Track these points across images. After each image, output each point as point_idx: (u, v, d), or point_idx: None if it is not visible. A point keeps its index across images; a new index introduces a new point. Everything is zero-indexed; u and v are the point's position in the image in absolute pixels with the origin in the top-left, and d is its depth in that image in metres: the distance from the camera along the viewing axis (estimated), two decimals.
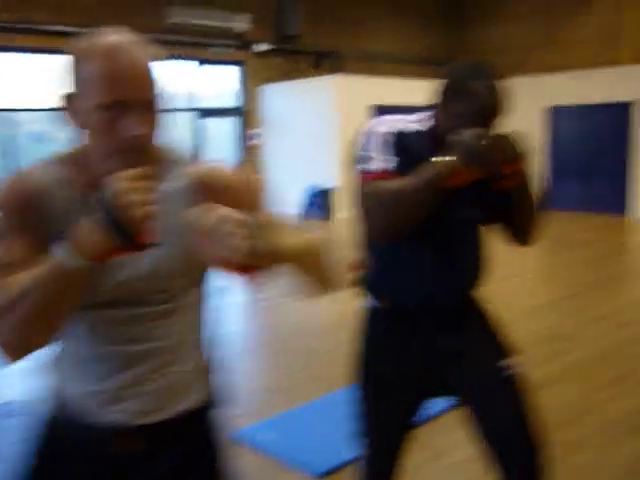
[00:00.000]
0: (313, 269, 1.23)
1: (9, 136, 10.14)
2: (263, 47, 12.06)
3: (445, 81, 1.71)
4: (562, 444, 3.09)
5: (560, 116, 12.57)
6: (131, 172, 1.01)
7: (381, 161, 1.68)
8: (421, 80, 13.42)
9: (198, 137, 12.13)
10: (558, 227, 10.78)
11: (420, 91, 13.10)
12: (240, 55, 12.12)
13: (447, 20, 14.98)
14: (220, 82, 12.53)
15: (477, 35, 14.38)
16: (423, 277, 1.80)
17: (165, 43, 10.91)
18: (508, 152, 1.60)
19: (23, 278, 1.05)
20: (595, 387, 3.74)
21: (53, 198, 1.17)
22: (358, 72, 12.99)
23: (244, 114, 12.57)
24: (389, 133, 1.71)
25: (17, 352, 1.09)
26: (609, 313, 5.28)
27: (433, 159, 1.58)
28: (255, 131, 12.65)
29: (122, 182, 0.99)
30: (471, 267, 1.87)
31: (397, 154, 1.69)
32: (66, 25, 10.09)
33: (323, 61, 13.11)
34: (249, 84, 12.40)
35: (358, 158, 1.72)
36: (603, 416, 3.36)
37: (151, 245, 1.06)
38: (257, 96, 12.59)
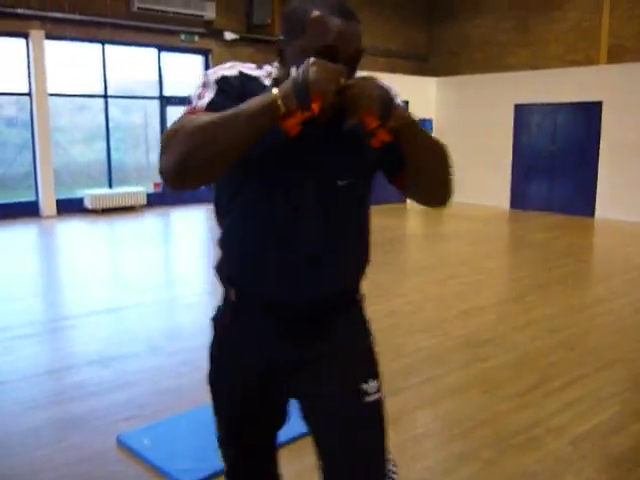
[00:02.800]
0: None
1: None
2: (231, 36, 11.88)
3: (286, 13, 1.44)
4: (450, 457, 2.99)
5: (529, 114, 12.46)
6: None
7: (202, 99, 1.41)
8: (398, 75, 13.31)
9: (164, 124, 11.95)
10: (519, 227, 10.71)
11: (393, 85, 12.99)
12: (208, 43, 11.93)
13: (425, 15, 14.81)
14: (188, 70, 12.35)
15: (455, 30, 14.22)
16: (262, 260, 1.48)
17: (131, 29, 10.78)
18: (365, 99, 1.29)
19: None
20: (501, 397, 3.62)
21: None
22: None
23: None
24: (231, 73, 1.46)
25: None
26: (542, 318, 5.17)
27: (267, 92, 1.29)
28: None
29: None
30: (337, 252, 1.49)
31: (230, 94, 1.41)
32: (28, 8, 9.90)
33: None
34: None
35: (187, 101, 1.46)
36: (499, 428, 3.24)
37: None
38: None
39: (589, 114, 11.51)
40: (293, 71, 1.30)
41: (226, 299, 1.62)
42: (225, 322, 1.63)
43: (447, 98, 13.89)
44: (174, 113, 11.99)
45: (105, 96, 11.29)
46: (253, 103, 1.29)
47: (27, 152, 10.56)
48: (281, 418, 1.72)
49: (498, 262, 7.93)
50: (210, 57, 12.10)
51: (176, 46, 11.68)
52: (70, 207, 10.84)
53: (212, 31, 11.83)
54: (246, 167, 1.42)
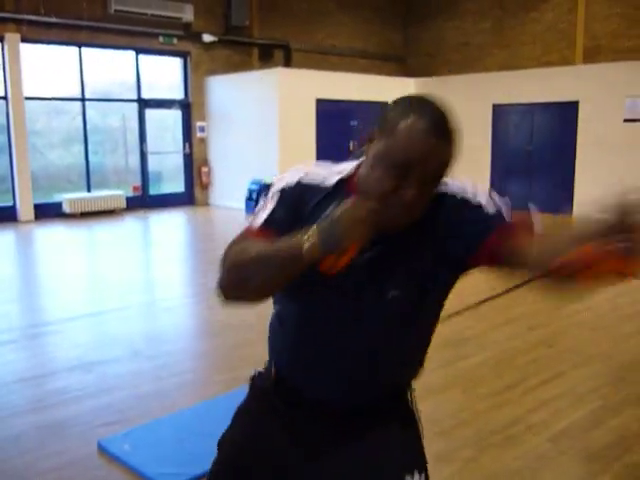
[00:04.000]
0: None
1: None
2: (210, 38, 11.85)
3: (386, 111, 1.32)
4: (430, 456, 3.00)
5: (507, 114, 12.56)
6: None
7: (263, 214, 1.38)
8: (374, 75, 13.36)
9: (142, 127, 11.90)
10: None
11: (370, 86, 13.11)
12: (186, 46, 11.89)
13: (402, 16, 14.89)
14: (166, 73, 12.31)
15: (432, 32, 14.31)
16: (311, 358, 1.44)
17: (108, 32, 10.71)
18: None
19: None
20: (481, 396, 3.66)
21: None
22: (311, 66, 12.86)
23: (189, 106, 12.35)
24: (289, 183, 1.39)
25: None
26: (521, 316, 5.22)
27: (300, 233, 1.22)
28: (201, 123, 12.45)
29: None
30: (386, 360, 1.43)
31: (288, 208, 1.36)
32: (3, 11, 9.81)
33: (273, 54, 12.94)
34: (196, 75, 12.18)
35: (257, 208, 1.42)
36: (479, 427, 3.27)
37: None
38: (203, 88, 12.37)
39: (566, 114, 11.63)
40: (333, 211, 1.20)
41: (268, 370, 1.57)
42: (260, 389, 1.58)
43: None
44: (152, 115, 11.95)
45: (82, 99, 11.21)
46: (284, 247, 1.24)
47: (3, 156, 10.45)
48: None
49: None
50: (189, 59, 12.07)
51: (154, 48, 11.63)
52: (48, 211, 10.75)
53: (190, 33, 11.79)
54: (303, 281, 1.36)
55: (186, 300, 5.68)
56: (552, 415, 3.40)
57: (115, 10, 10.68)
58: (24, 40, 10.12)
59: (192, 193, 12.61)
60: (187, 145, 12.49)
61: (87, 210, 10.97)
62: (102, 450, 3.00)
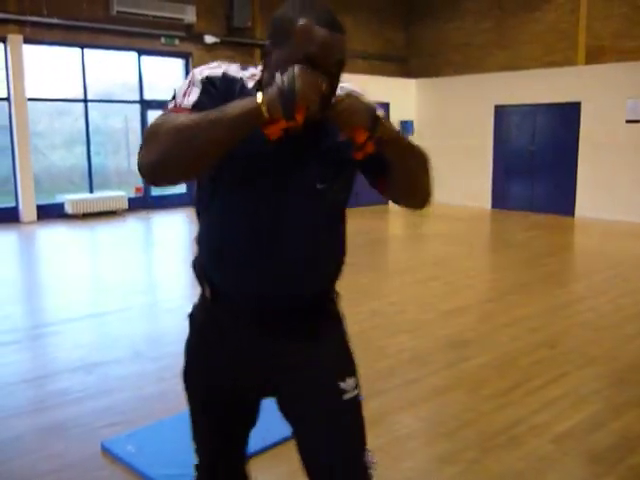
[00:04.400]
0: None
1: None
2: (212, 39, 11.85)
3: (274, 19, 1.46)
4: (434, 457, 3.01)
5: (509, 115, 12.56)
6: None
7: (187, 97, 1.43)
8: (375, 76, 13.36)
9: (145, 128, 11.88)
10: (500, 227, 10.79)
11: (371, 87, 13.05)
12: (188, 47, 11.89)
13: (403, 17, 14.88)
14: (168, 74, 12.31)
15: (433, 32, 14.30)
16: (238, 258, 1.49)
17: (110, 33, 10.72)
18: (355, 114, 1.32)
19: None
20: (484, 397, 3.65)
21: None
22: None
23: None
24: (213, 74, 1.47)
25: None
26: (523, 317, 5.21)
27: (251, 98, 1.30)
28: None
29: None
30: (315, 253, 1.51)
31: (214, 96, 1.42)
32: (6, 12, 9.82)
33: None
34: None
35: (171, 96, 1.48)
36: (482, 428, 3.26)
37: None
38: None
39: (568, 114, 11.62)
40: (277, 77, 1.29)
41: (202, 296, 1.65)
42: (200, 319, 1.68)
43: (427, 99, 13.96)
44: (154, 116, 11.93)
45: (85, 100, 11.21)
46: (236, 107, 1.30)
47: (6, 157, 10.46)
48: (254, 417, 1.76)
49: (479, 262, 7.98)
50: (190, 60, 12.06)
51: (156, 50, 11.63)
52: (50, 212, 10.75)
53: (192, 34, 11.80)
54: (226, 168, 1.44)
55: (188, 301, 5.66)
56: (555, 416, 3.39)
57: (117, 11, 10.68)
58: (27, 41, 10.13)
59: (194, 193, 12.59)
60: None
61: (89, 211, 10.98)
62: (105, 451, 3.00)
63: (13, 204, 10.51)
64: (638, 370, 4.09)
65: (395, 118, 13.02)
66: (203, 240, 1.58)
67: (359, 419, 1.60)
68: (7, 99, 10.28)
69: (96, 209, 11.05)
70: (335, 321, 1.67)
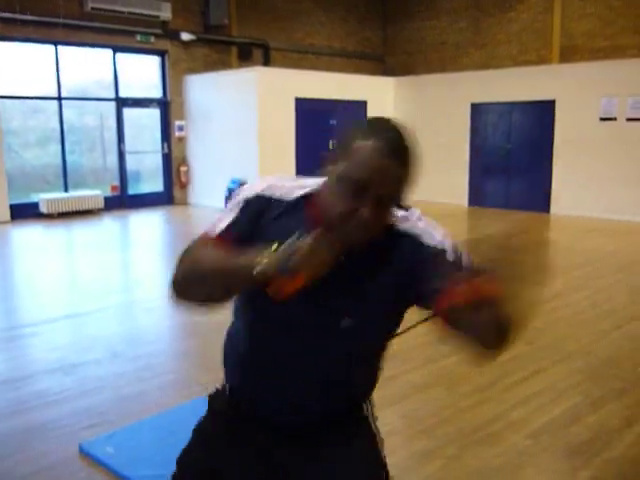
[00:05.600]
0: None
1: None
2: (188, 37, 11.79)
3: (344, 133, 1.38)
4: (413, 454, 3.03)
5: (484, 113, 12.65)
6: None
7: (220, 223, 1.44)
8: (353, 74, 13.39)
9: (120, 126, 11.80)
10: (477, 224, 10.88)
11: (349, 85, 13.13)
12: (164, 44, 11.82)
13: (380, 15, 14.93)
14: (144, 71, 12.22)
15: (410, 31, 14.36)
16: (262, 374, 1.50)
17: (85, 30, 10.60)
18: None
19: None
20: (462, 393, 3.68)
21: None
22: (290, 65, 12.86)
23: (167, 105, 12.28)
24: (252, 194, 1.45)
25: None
26: None
27: (257, 251, 1.29)
28: (180, 122, 12.38)
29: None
30: (339, 384, 1.48)
31: (249, 218, 1.42)
32: None
33: (252, 53, 12.91)
34: (174, 74, 12.10)
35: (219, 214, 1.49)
36: (462, 424, 3.29)
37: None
38: (182, 86, 12.31)
39: (542, 112, 11.75)
40: (286, 243, 1.27)
41: (223, 390, 1.65)
42: (217, 409, 1.64)
43: (405, 98, 14.01)
44: (130, 114, 11.85)
45: (59, 98, 11.08)
46: (236, 263, 1.31)
47: None
48: None
49: None
50: (166, 57, 11.99)
51: (132, 47, 11.53)
52: (25, 212, 10.62)
53: (168, 32, 11.72)
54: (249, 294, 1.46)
55: (166, 300, 5.63)
56: (532, 412, 3.43)
57: (92, 8, 10.57)
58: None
59: (171, 192, 12.54)
60: (166, 144, 12.42)
61: (65, 210, 10.85)
62: (84, 453, 2.97)
63: None
64: (614, 365, 4.16)
65: (372, 115, 13.05)
66: (232, 339, 1.60)
67: None
68: None
69: (71, 208, 10.93)
70: (364, 434, 1.59)
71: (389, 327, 1.51)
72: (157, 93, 12.31)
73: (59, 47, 10.85)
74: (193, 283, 1.41)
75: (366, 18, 14.74)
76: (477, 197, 12.83)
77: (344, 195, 1.29)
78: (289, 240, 1.27)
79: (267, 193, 1.45)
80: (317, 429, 1.51)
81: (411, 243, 1.42)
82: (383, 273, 1.41)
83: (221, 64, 12.47)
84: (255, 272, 1.25)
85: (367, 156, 1.28)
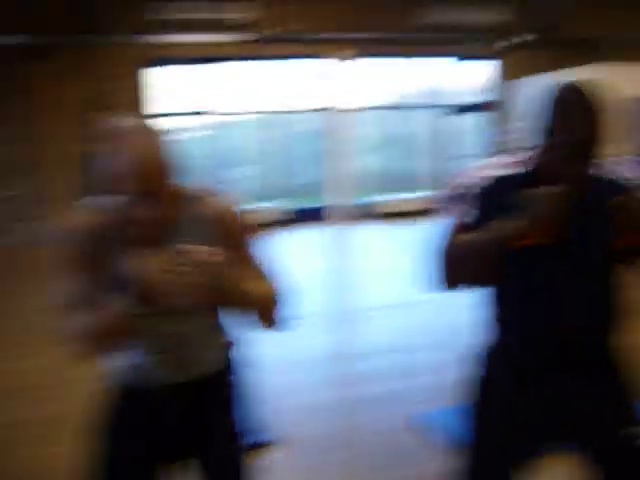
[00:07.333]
0: (261, 312, 1.56)
1: (285, 134, 11.77)
2: (519, 40, 11.68)
3: (548, 108, 1.66)
4: None
5: None
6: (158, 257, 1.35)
7: (470, 214, 1.73)
8: None
9: (441, 134, 12.17)
10: None
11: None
12: (496, 49, 11.88)
13: None
14: (470, 78, 12.51)
15: None
16: (536, 320, 1.72)
17: (416, 42, 11.14)
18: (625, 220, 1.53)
19: (88, 318, 1.48)
20: None
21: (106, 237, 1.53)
22: (631, 61, 11.92)
23: (498, 109, 12.28)
24: (486, 183, 1.75)
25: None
26: None
27: (501, 219, 1.58)
28: (513, 127, 12.27)
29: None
30: (591, 317, 1.68)
31: (488, 202, 1.71)
32: (322, 33, 10.72)
33: (587, 50, 12.23)
34: (507, 78, 12.09)
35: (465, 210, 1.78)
36: None
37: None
38: (510, 91, 12.20)
39: None
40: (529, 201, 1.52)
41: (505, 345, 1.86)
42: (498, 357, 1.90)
43: None
44: (457, 121, 12.14)
45: (397, 107, 11.82)
46: (490, 235, 1.60)
47: (316, 164, 11.39)
48: None
49: None
50: (500, 62, 12.05)
51: (467, 54, 11.91)
52: (359, 213, 11.47)
53: (500, 35, 11.73)
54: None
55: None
56: None
57: (422, 22, 11.11)
58: (357, 56, 10.94)
59: None
60: (493, 149, 12.41)
61: (393, 211, 11.65)
62: (411, 424, 3.20)
63: (320, 205, 11.18)
64: None
65: None
66: (504, 306, 1.83)
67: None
68: (328, 109, 11.18)
69: (403, 209, 11.65)
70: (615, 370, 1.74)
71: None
72: (489, 98, 12.43)
73: (397, 59, 11.68)
74: (459, 277, 1.73)
75: None
76: None
77: (568, 156, 1.59)
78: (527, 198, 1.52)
79: (499, 176, 1.74)
80: (581, 368, 1.68)
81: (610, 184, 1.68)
82: (598, 212, 1.61)
83: (554, 64, 12.02)
84: (510, 231, 1.54)
85: (571, 128, 1.59)
